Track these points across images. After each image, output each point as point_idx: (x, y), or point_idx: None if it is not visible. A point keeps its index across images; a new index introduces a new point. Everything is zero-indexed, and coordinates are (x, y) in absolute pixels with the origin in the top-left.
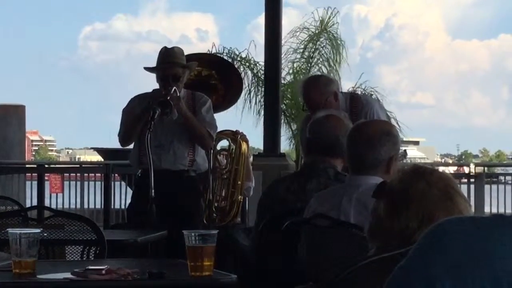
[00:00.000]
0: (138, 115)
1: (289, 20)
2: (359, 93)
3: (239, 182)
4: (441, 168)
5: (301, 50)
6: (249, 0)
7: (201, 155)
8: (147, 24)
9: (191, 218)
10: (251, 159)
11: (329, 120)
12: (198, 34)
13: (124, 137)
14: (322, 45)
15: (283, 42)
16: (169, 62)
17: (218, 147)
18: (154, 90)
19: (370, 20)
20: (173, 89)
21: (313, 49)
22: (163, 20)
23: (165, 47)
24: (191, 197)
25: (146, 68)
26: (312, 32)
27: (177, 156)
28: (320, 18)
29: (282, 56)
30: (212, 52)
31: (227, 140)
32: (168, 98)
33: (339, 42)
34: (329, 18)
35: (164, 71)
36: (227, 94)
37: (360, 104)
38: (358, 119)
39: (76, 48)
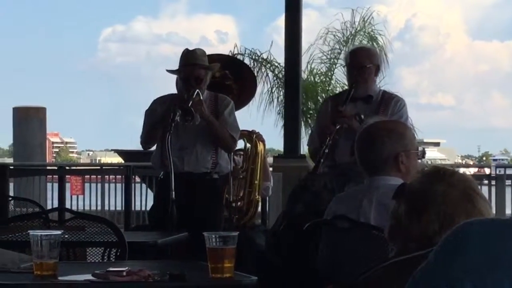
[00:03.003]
0: (159, 118)
1: (309, 21)
2: None
3: (256, 182)
4: (461, 170)
5: (328, 52)
6: (269, 2)
7: (224, 158)
8: (167, 26)
9: (212, 221)
10: (269, 159)
11: None
12: (218, 36)
13: (145, 139)
14: (357, 43)
15: (308, 44)
16: (191, 64)
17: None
18: (176, 94)
19: (390, 21)
20: (195, 92)
21: (339, 51)
22: (183, 22)
23: (187, 49)
24: (213, 199)
25: (169, 71)
26: (342, 34)
27: (200, 159)
28: (353, 18)
29: (310, 57)
30: (234, 53)
31: (243, 140)
32: (190, 104)
33: (380, 42)
34: (369, 17)
35: (187, 73)
36: (242, 94)
37: (392, 95)
38: (388, 106)
39: (96, 50)
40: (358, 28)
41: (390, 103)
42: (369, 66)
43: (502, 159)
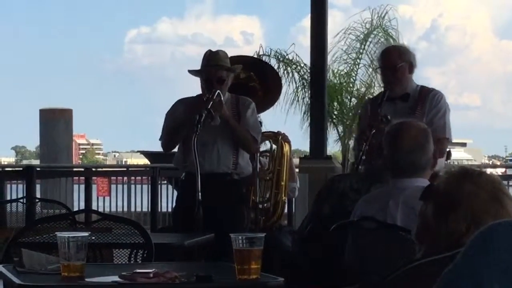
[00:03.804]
0: (181, 120)
1: (334, 22)
2: None
3: (282, 183)
4: (488, 170)
5: (349, 52)
6: (294, 2)
7: (245, 159)
8: (192, 27)
9: (234, 222)
10: (295, 160)
11: None
12: (243, 37)
13: (167, 142)
14: (376, 42)
15: (330, 44)
16: (214, 65)
17: (261, 149)
18: (198, 95)
19: (416, 21)
20: (216, 93)
21: (361, 50)
22: (208, 23)
23: (210, 50)
24: (234, 200)
25: (191, 71)
26: (361, 32)
27: (221, 157)
28: (373, 16)
29: (332, 58)
30: (260, 54)
31: (269, 141)
32: (210, 105)
33: (396, 39)
34: (385, 13)
35: (209, 74)
36: (267, 95)
37: (429, 90)
38: (425, 102)
39: (122, 52)
40: (376, 26)
41: (427, 98)
42: (401, 65)
43: None
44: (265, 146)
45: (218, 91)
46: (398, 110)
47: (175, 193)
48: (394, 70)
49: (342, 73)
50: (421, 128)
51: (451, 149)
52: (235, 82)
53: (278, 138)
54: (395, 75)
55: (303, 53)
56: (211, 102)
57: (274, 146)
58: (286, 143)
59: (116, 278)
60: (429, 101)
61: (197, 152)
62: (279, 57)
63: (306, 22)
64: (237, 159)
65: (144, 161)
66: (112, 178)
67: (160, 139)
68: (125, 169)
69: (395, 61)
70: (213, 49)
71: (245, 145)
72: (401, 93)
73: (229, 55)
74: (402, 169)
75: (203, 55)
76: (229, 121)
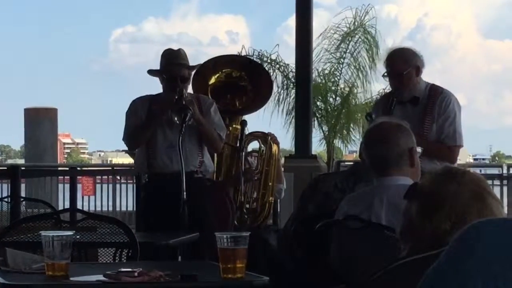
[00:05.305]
0: (148, 122)
1: (320, 22)
2: None
3: (270, 184)
4: (472, 169)
5: (333, 51)
6: (280, 2)
7: (208, 157)
8: (177, 27)
9: (206, 221)
10: (282, 161)
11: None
12: (229, 36)
13: (132, 142)
14: (358, 41)
15: (314, 44)
16: (177, 63)
17: (249, 149)
18: (162, 94)
19: (401, 21)
20: (184, 91)
21: (344, 49)
22: (194, 22)
23: (170, 49)
24: (203, 199)
25: (150, 71)
26: (344, 31)
27: (189, 157)
28: (355, 16)
29: (316, 57)
30: (242, 55)
31: (258, 141)
32: (184, 102)
33: (376, 38)
34: (365, 13)
35: (172, 72)
36: (257, 96)
37: (438, 91)
38: (435, 106)
39: (107, 51)
40: (357, 25)
41: (436, 102)
42: (408, 71)
43: (483, 158)
44: (254, 145)
45: (184, 90)
46: (409, 114)
47: None
48: (401, 77)
49: (326, 72)
50: (393, 124)
51: None
52: (226, 81)
53: (267, 138)
54: (401, 81)
55: (289, 53)
56: (183, 101)
57: (262, 147)
58: (274, 144)
59: (100, 277)
60: (438, 106)
61: (164, 153)
62: (262, 57)
63: (292, 21)
64: (202, 158)
65: (129, 160)
66: (97, 177)
67: (123, 139)
68: (110, 168)
69: (401, 68)
70: (199, 49)
71: (212, 143)
72: (410, 97)
73: (215, 54)
74: (375, 163)
75: (189, 54)
76: (199, 119)
